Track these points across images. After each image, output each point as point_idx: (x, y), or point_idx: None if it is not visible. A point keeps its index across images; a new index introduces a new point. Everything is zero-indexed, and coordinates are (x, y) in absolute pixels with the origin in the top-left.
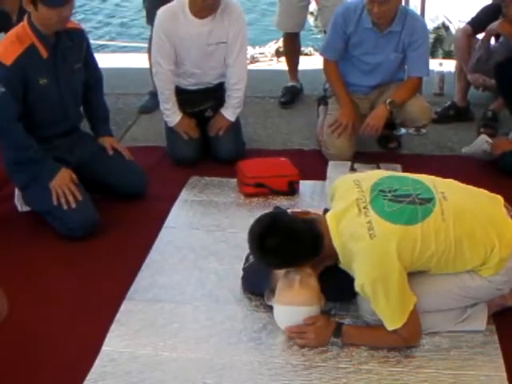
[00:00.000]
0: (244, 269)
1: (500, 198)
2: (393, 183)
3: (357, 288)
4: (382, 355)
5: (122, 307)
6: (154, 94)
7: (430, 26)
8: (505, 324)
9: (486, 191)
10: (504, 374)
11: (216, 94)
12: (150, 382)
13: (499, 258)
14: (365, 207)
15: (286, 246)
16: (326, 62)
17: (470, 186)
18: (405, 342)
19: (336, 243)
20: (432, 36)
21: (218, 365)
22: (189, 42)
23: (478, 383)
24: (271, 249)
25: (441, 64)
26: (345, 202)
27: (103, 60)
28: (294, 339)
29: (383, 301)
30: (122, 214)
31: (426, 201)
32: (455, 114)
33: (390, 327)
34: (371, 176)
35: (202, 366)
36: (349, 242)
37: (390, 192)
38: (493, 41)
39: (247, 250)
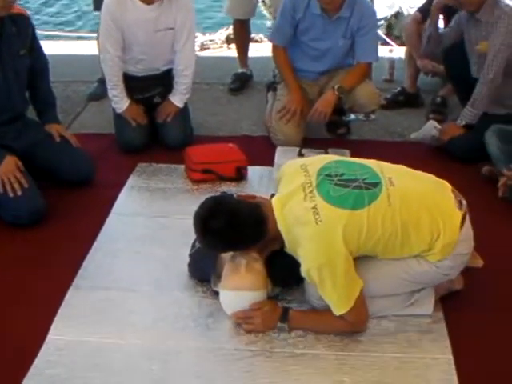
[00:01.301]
0: (190, 255)
1: (447, 184)
2: (339, 168)
3: (303, 273)
4: (329, 339)
5: (69, 295)
6: (103, 82)
7: (387, 13)
8: (451, 307)
9: (433, 176)
10: (451, 357)
11: (164, 80)
12: (97, 369)
13: (444, 244)
14: (311, 192)
15: (230, 228)
16: (274, 47)
17: (418, 172)
18: (351, 327)
19: (281, 227)
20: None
21: (165, 351)
22: (136, 27)
23: (424, 366)
24: (214, 231)
25: (391, 50)
26: (291, 187)
27: (52, 47)
28: (240, 325)
29: (330, 286)
30: (69, 201)
31: (373, 185)
32: (405, 100)
33: (336, 312)
34: (318, 160)
35: (149, 352)
36: (294, 227)
37: (336, 176)
38: (442, 24)
39: (194, 236)
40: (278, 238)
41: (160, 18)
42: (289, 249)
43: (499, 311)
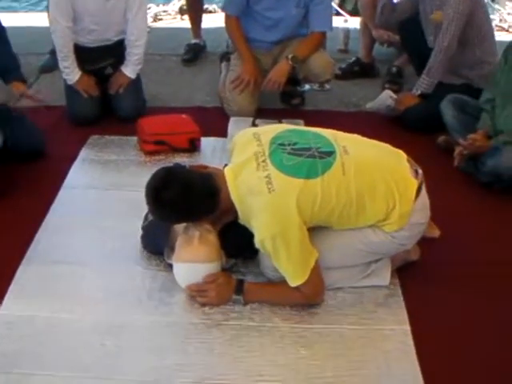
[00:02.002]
0: (143, 227)
1: (403, 153)
2: (292, 137)
3: (257, 244)
4: (285, 312)
5: (20, 270)
6: (54, 53)
7: None
8: (408, 278)
9: (389, 146)
10: (408, 328)
11: (116, 51)
12: (48, 345)
13: (400, 214)
14: (263, 161)
15: (182, 199)
16: (227, 17)
17: (373, 141)
18: (307, 299)
19: (234, 197)
20: None
21: (117, 326)
22: None
23: (382, 338)
24: (166, 202)
25: (346, 20)
26: (243, 156)
27: (2, 19)
28: (194, 298)
29: (284, 256)
30: (19, 175)
31: (327, 154)
32: (360, 70)
33: (292, 283)
34: (271, 130)
35: (101, 327)
36: (247, 197)
37: (289, 145)
38: None
39: (147, 209)
40: (232, 209)
41: None
42: (242, 220)
43: (455, 281)
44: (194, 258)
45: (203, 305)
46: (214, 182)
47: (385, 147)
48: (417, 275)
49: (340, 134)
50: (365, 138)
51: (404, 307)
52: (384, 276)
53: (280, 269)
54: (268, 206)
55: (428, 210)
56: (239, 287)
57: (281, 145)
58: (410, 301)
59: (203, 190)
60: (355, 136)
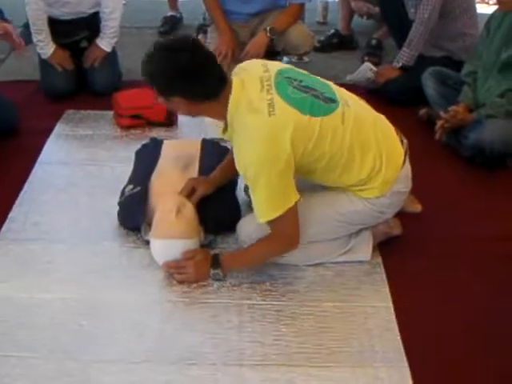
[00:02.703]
0: (119, 203)
1: (390, 124)
2: (299, 75)
3: (238, 166)
4: (265, 289)
5: None
6: (28, 27)
7: None
8: (390, 253)
9: (382, 115)
10: (390, 305)
11: (91, 24)
12: (23, 326)
13: (384, 179)
14: (268, 85)
15: (192, 58)
16: None
17: (368, 107)
18: (282, 245)
19: (231, 106)
20: None
21: (94, 305)
22: None
23: (364, 315)
24: (175, 55)
25: None
26: (248, 74)
27: None
28: (172, 275)
29: (263, 184)
30: None
31: (330, 100)
32: (339, 43)
33: (262, 217)
34: (279, 64)
35: (77, 306)
36: (244, 112)
37: (295, 81)
38: None
39: (123, 183)
40: (221, 115)
41: None
42: (227, 133)
43: (438, 256)
44: (171, 234)
45: (181, 282)
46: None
47: (377, 114)
48: (399, 250)
49: (342, 89)
50: (363, 102)
51: (386, 283)
52: (365, 251)
53: (254, 199)
54: (263, 129)
55: (410, 180)
56: (215, 261)
57: (287, 78)
58: (392, 277)
59: (217, 68)
60: (355, 97)
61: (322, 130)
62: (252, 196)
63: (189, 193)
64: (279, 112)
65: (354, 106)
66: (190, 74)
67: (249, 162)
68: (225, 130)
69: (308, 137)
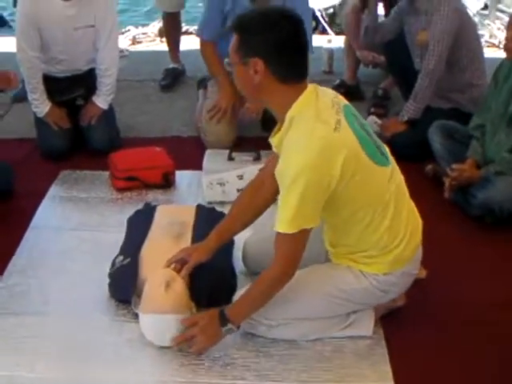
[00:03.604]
0: (110, 275)
1: None
2: (362, 119)
3: (280, 166)
4: (259, 368)
5: None
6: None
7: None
8: (392, 326)
9: None
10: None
11: (86, 81)
12: None
13: (398, 256)
14: (338, 108)
15: (299, 35)
16: (203, 43)
17: None
18: (282, 269)
19: (298, 104)
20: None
21: None
22: (54, 26)
23: None
24: (286, 27)
25: (329, 40)
26: (322, 91)
27: None
28: (185, 350)
29: (299, 194)
30: None
31: (384, 156)
32: (345, 93)
33: (280, 226)
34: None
35: None
36: (310, 116)
37: (359, 121)
38: (382, 11)
39: (116, 251)
40: (278, 106)
41: (79, 14)
42: (277, 138)
43: (444, 328)
44: (160, 309)
45: (199, 353)
46: None
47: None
48: (402, 323)
49: None
50: None
51: (388, 361)
52: (366, 326)
53: (282, 204)
54: (324, 140)
55: (419, 261)
56: (222, 318)
57: (353, 115)
58: (395, 353)
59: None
60: None
61: (371, 173)
62: (281, 201)
63: (179, 265)
64: (344, 132)
65: (398, 174)
66: (288, 42)
67: (295, 165)
68: (275, 132)
69: (358, 169)
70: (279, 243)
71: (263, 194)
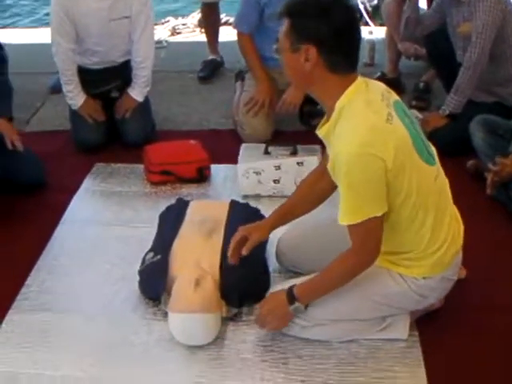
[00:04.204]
0: (140, 272)
1: None
2: (412, 117)
3: (334, 156)
4: (292, 366)
5: (8, 317)
6: None
7: None
8: (429, 329)
9: None
10: None
11: (122, 72)
12: None
13: (439, 259)
14: (388, 102)
15: (355, 27)
16: (240, 35)
17: None
18: (361, 258)
19: (347, 93)
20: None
21: None
22: (89, 17)
23: None
24: (344, 14)
25: (371, 32)
26: (372, 83)
27: (11, 36)
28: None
29: (356, 182)
30: (16, 206)
31: (431, 156)
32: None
33: (346, 219)
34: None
35: None
36: (361, 105)
37: (409, 119)
38: (425, 5)
39: (147, 247)
40: (326, 97)
41: (114, 5)
42: (325, 129)
43: (482, 332)
44: (189, 308)
45: (273, 331)
46: None
47: None
48: (438, 325)
49: None
50: None
51: (423, 364)
52: (402, 329)
53: (343, 195)
54: (377, 128)
55: (459, 266)
56: (291, 297)
57: (403, 110)
58: (430, 356)
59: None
60: None
61: (418, 169)
62: (340, 191)
63: (239, 244)
64: (396, 124)
65: (444, 177)
66: (343, 29)
67: (347, 153)
68: (323, 124)
69: (407, 162)
70: (351, 234)
71: (323, 185)
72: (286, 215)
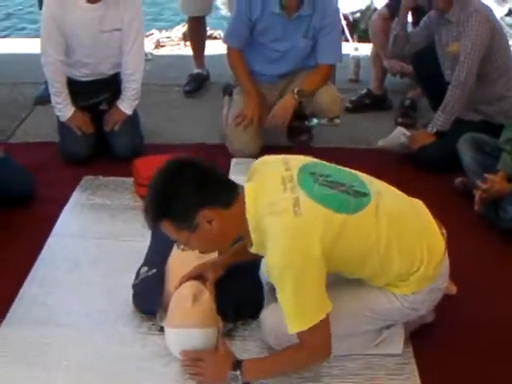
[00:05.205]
0: (134, 286)
1: (427, 210)
2: (325, 169)
3: (265, 269)
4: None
5: (0, 331)
6: None
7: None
8: (422, 343)
9: (420, 202)
10: None
11: (111, 85)
12: None
13: (424, 276)
14: (292, 185)
15: (199, 175)
16: (229, 50)
17: (405, 195)
18: (310, 356)
19: (250, 217)
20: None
21: None
22: (79, 29)
23: None
24: (180, 179)
25: (356, 48)
26: (267, 177)
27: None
28: (186, 367)
29: (291, 291)
30: (4, 219)
31: (361, 194)
32: (371, 103)
33: (292, 328)
34: (300, 157)
35: None
36: (266, 216)
37: (321, 177)
38: (410, 19)
39: (140, 261)
40: (243, 231)
41: (106, 17)
42: (255, 247)
43: (475, 346)
44: (187, 323)
45: (195, 379)
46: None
47: (417, 203)
48: (432, 339)
49: (374, 178)
50: (398, 191)
51: (418, 377)
52: (397, 344)
53: (283, 307)
54: (290, 230)
55: (447, 275)
56: (237, 363)
57: (312, 174)
58: (424, 370)
59: (223, 175)
60: (389, 186)
61: (353, 227)
62: (280, 303)
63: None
64: (306, 211)
65: (388, 196)
66: (204, 178)
67: (273, 265)
68: (249, 244)
69: (338, 236)
70: (301, 338)
71: None
72: (239, 254)
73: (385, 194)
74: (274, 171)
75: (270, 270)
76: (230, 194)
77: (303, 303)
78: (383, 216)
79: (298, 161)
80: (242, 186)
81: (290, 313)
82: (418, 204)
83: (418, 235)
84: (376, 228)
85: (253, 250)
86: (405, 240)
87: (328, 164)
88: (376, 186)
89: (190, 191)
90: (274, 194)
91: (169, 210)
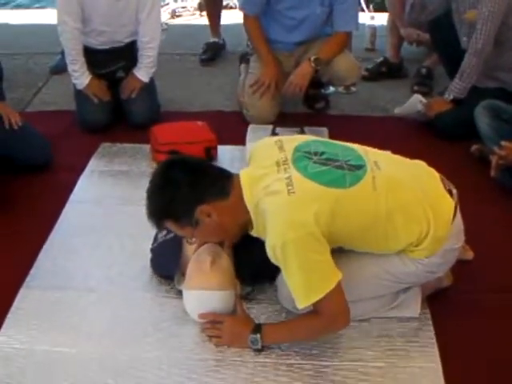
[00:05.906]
0: (152, 249)
1: (435, 173)
2: (320, 147)
3: (268, 252)
4: (304, 347)
5: (19, 296)
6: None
7: None
8: (440, 307)
9: (423, 163)
10: (439, 366)
11: (128, 53)
12: (47, 382)
13: (435, 238)
14: (286, 165)
15: (189, 174)
16: (245, 17)
17: (405, 158)
18: (328, 325)
19: (248, 202)
20: None
21: (122, 362)
22: None
23: (409, 376)
24: (172, 179)
25: (372, 17)
26: (263, 163)
27: (12, 16)
28: (205, 330)
29: (296, 268)
30: (23, 187)
31: (356, 167)
32: (387, 71)
33: (299, 303)
34: (295, 138)
35: (105, 363)
36: (262, 198)
37: (315, 155)
38: None
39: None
40: (241, 219)
41: None
42: (256, 230)
43: (492, 310)
44: (206, 285)
45: (215, 343)
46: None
47: (419, 165)
48: (449, 304)
49: (371, 149)
50: (397, 156)
51: (435, 342)
52: (414, 307)
53: (289, 284)
54: (284, 209)
55: (462, 233)
56: (257, 327)
57: (306, 153)
58: (442, 334)
59: (214, 168)
60: (387, 153)
61: (350, 201)
62: (287, 282)
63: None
64: (299, 189)
65: (385, 166)
66: (196, 171)
67: (274, 245)
68: (251, 228)
69: (334, 210)
70: (315, 308)
71: None
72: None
73: (382, 164)
74: (269, 155)
75: (271, 252)
76: (224, 184)
77: (309, 277)
78: (381, 186)
79: (293, 142)
80: (238, 174)
81: (297, 288)
82: (419, 166)
83: (421, 201)
84: (375, 200)
85: (253, 232)
86: (408, 208)
87: (323, 141)
88: (373, 155)
89: (183, 191)
90: (268, 177)
91: (168, 213)
